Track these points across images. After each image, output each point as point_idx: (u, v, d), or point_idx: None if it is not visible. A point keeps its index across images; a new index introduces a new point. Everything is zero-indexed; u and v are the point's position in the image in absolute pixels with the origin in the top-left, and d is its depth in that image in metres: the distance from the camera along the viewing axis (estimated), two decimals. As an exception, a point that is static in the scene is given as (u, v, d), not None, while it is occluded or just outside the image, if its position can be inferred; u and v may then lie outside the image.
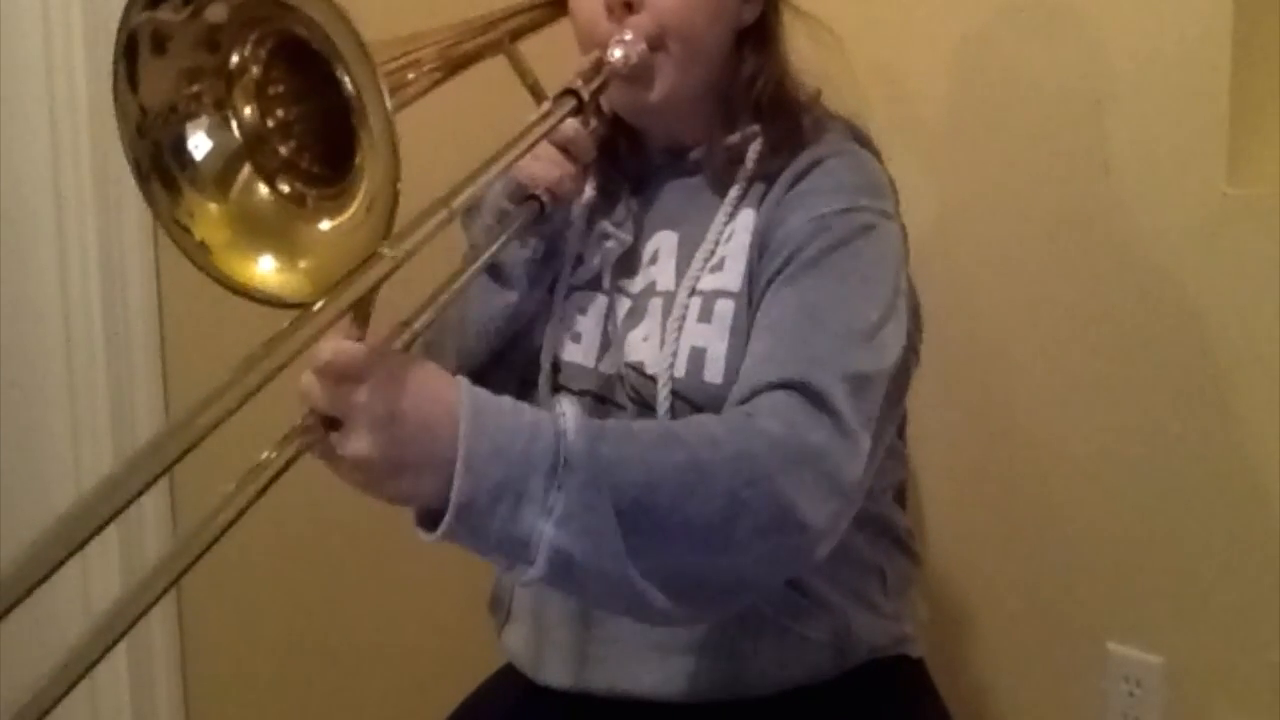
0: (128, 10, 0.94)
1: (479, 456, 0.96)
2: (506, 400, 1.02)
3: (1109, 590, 1.78)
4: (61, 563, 0.69)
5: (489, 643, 1.51)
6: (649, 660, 1.32)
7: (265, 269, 0.98)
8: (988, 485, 1.91)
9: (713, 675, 1.31)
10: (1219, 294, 1.65)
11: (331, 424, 0.93)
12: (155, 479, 0.76)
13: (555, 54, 1.40)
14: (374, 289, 0.93)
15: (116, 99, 0.95)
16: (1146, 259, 1.71)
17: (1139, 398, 1.73)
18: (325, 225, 0.99)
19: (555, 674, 1.38)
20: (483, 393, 1.00)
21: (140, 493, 0.75)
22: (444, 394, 0.98)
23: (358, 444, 0.93)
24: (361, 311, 0.94)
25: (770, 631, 1.31)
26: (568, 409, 1.02)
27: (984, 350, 1.90)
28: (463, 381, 1.00)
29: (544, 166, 1.27)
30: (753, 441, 1.08)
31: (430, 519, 0.99)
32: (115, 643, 0.73)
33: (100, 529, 0.72)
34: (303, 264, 0.98)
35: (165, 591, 0.77)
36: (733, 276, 1.30)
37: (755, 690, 1.32)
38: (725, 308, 1.29)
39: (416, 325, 1.01)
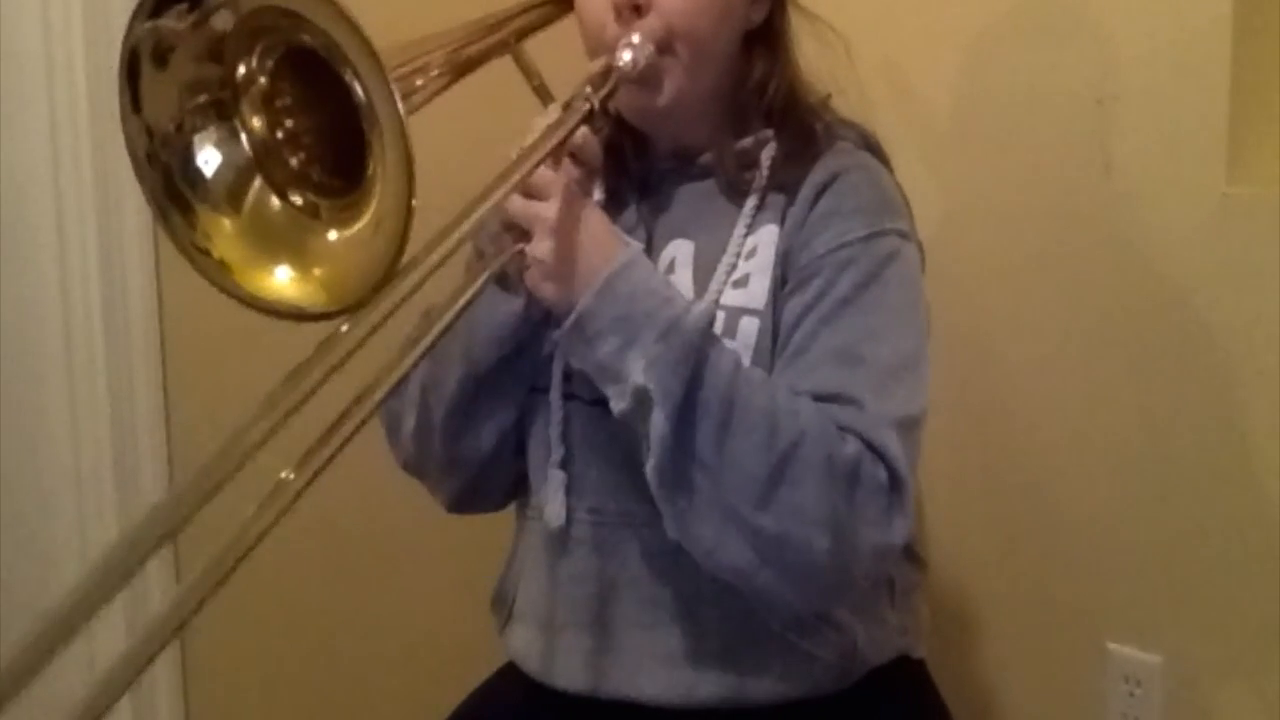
0: (131, 23, 0.93)
1: (613, 290, 1.20)
2: (660, 274, 1.28)
3: (1109, 590, 1.79)
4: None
5: (489, 642, 1.51)
6: (654, 668, 1.32)
7: (282, 280, 0.98)
8: (988, 485, 1.91)
9: (716, 686, 1.31)
10: (1219, 294, 1.65)
11: (524, 235, 1.21)
12: (188, 518, 0.76)
13: (561, 53, 1.40)
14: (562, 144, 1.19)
15: (124, 128, 0.95)
16: (1146, 259, 1.72)
17: (1139, 397, 1.73)
18: (338, 235, 0.99)
19: (561, 678, 1.37)
20: (639, 256, 1.25)
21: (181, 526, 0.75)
22: (607, 237, 1.25)
23: (540, 247, 1.20)
24: (557, 157, 1.22)
25: (777, 647, 1.31)
26: (704, 306, 1.25)
27: (983, 348, 1.90)
28: (626, 242, 1.27)
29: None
30: (827, 437, 1.17)
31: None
32: (151, 659, 0.73)
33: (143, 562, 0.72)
34: (317, 272, 0.98)
35: (199, 608, 0.76)
36: (757, 294, 1.30)
37: (760, 701, 1.32)
38: (750, 325, 1.29)
39: (428, 339, 1.00)
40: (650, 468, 1.19)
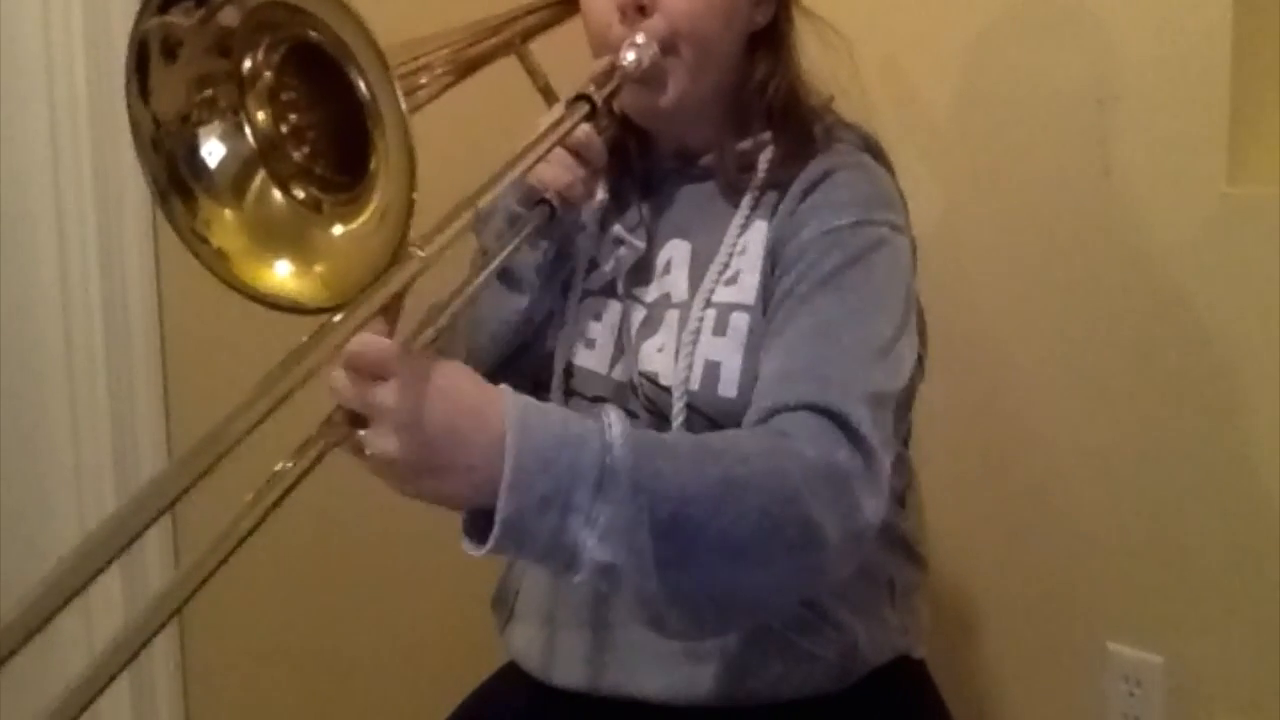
0: (139, 17, 0.93)
1: (526, 471, 0.96)
2: (553, 410, 1.02)
3: (1109, 590, 1.79)
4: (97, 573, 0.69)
5: (489, 642, 1.51)
6: (654, 667, 1.32)
7: (281, 274, 0.98)
8: (988, 484, 1.92)
9: (717, 684, 1.31)
10: (1219, 294, 1.66)
11: (359, 421, 0.93)
12: (182, 494, 0.76)
13: (566, 53, 1.40)
14: (399, 296, 0.94)
15: (130, 113, 0.95)
16: (1146, 258, 1.72)
17: (1139, 397, 1.74)
18: (340, 230, 0.99)
19: (563, 675, 1.38)
20: (529, 403, 1.00)
21: (170, 506, 0.75)
22: (481, 401, 0.98)
23: (384, 443, 0.92)
24: (392, 311, 0.94)
25: (777, 647, 1.31)
26: (614, 420, 1.02)
27: (984, 349, 1.90)
28: (507, 391, 1.00)
29: (556, 170, 1.26)
30: (784, 460, 1.08)
31: (474, 525, 1.00)
32: (138, 651, 0.73)
33: (132, 541, 0.72)
34: (318, 268, 0.98)
35: (185, 603, 0.76)
36: (747, 290, 1.30)
37: (759, 699, 1.32)
38: (741, 321, 1.29)
39: (429, 332, 1.00)
40: (639, 613, 1.07)
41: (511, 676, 1.47)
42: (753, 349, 1.28)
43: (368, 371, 0.92)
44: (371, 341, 0.91)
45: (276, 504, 0.84)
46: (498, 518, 0.95)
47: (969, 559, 1.93)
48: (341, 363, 0.91)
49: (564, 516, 0.97)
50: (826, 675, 1.34)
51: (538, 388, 1.37)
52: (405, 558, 2.13)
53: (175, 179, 0.97)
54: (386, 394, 0.92)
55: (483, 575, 1.53)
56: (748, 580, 1.06)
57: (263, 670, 2.02)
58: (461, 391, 0.97)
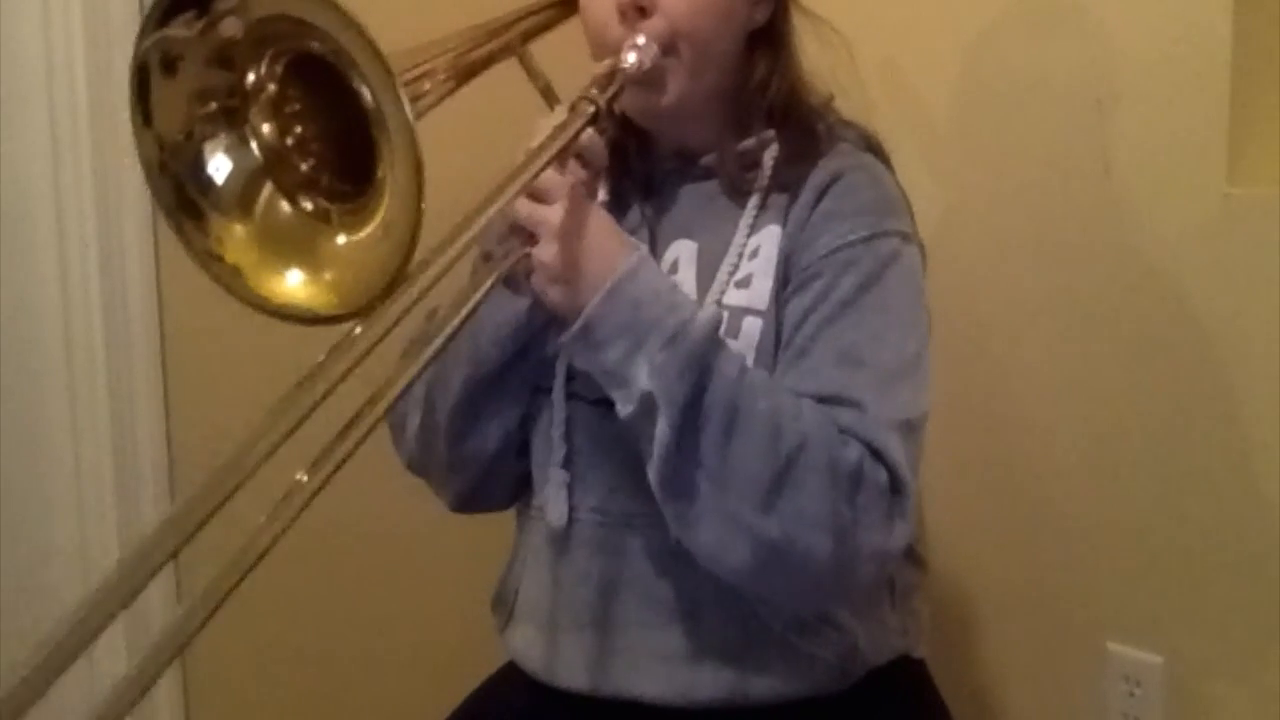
0: (140, 37, 0.93)
1: (620, 296, 1.19)
2: (666, 278, 1.26)
3: (1109, 590, 1.79)
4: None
5: (489, 642, 1.51)
6: (654, 668, 1.32)
7: (292, 283, 0.98)
8: (988, 484, 1.91)
9: (717, 686, 1.32)
10: (1219, 294, 1.65)
11: (531, 238, 1.20)
12: (200, 525, 0.76)
13: (566, 55, 1.40)
14: (566, 148, 1.18)
15: (136, 139, 0.95)
16: (1146, 259, 1.72)
17: (1139, 397, 1.73)
18: (348, 239, 0.99)
19: (562, 677, 1.38)
20: (650, 262, 1.24)
21: (191, 536, 0.74)
22: (617, 241, 1.24)
23: (546, 249, 1.19)
24: (559, 162, 1.19)
25: (777, 648, 1.31)
26: (710, 311, 1.22)
27: (983, 349, 1.90)
28: (639, 246, 1.25)
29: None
30: (830, 441, 1.17)
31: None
32: (172, 657, 0.72)
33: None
34: (328, 276, 0.98)
35: (225, 598, 0.76)
36: (760, 295, 1.31)
37: (760, 700, 1.33)
38: (753, 326, 1.30)
39: (438, 342, 1.00)
40: (653, 471, 1.19)
41: (512, 677, 1.47)
42: (764, 354, 1.29)
43: (541, 195, 1.19)
44: (547, 176, 1.17)
45: (292, 522, 0.84)
46: (581, 317, 1.19)
47: (969, 559, 1.93)
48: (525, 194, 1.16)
49: (632, 351, 1.18)
50: (827, 676, 1.34)
51: (539, 391, 1.37)
52: (405, 558, 2.13)
53: (183, 200, 0.97)
54: (554, 212, 1.19)
55: (483, 575, 1.53)
56: (753, 520, 1.16)
57: (263, 670, 2.02)
58: (605, 226, 1.24)
